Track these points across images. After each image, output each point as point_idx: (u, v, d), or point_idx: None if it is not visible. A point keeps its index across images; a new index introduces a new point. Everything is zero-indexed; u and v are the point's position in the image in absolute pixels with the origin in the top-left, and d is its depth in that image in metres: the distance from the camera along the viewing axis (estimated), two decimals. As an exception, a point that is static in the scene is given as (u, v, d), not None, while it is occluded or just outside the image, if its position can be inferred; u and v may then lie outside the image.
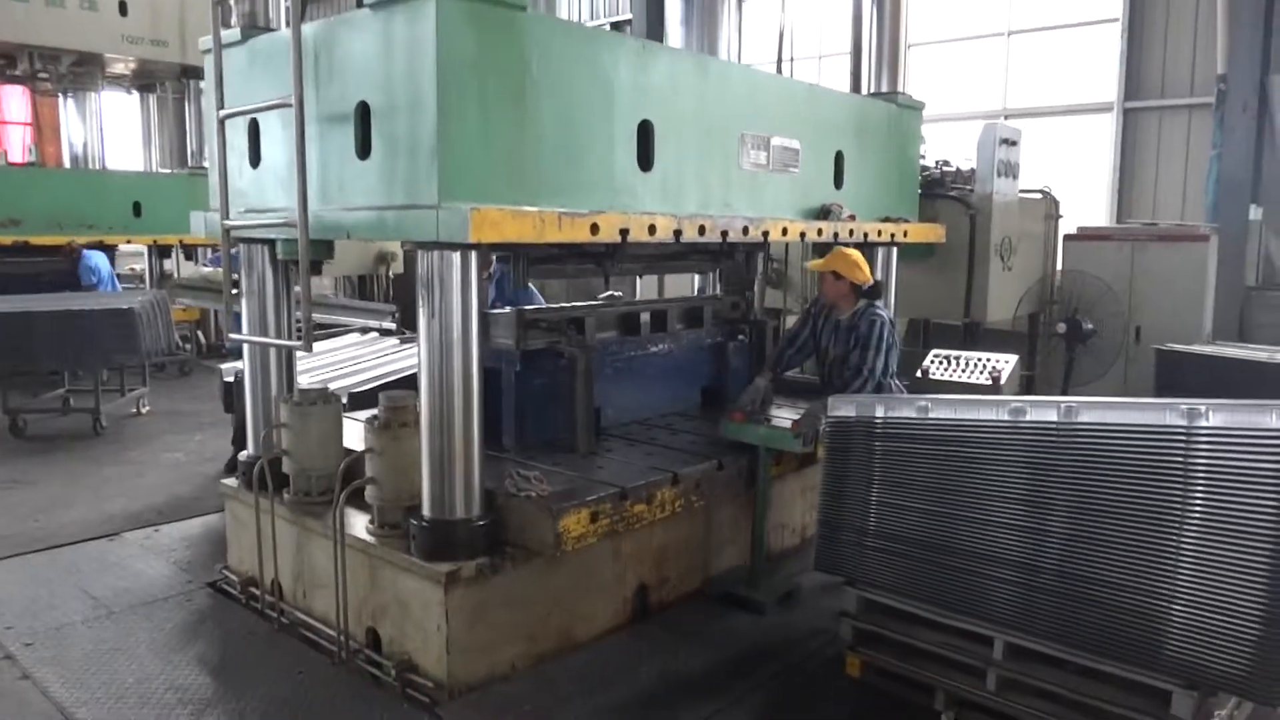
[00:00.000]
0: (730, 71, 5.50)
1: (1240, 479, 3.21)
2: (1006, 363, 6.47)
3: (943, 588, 3.89)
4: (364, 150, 4.01)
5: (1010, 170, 7.85)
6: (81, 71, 12.73)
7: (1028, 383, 8.19)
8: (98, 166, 13.64)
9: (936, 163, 8.29)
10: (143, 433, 8.88)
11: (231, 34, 4.66)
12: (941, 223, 7.73)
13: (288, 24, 4.12)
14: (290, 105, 3.93)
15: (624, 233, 4.25)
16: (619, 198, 4.46)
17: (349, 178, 4.11)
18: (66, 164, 13.69)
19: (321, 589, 4.51)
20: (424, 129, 3.71)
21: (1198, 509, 3.28)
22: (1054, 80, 11.23)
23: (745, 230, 5.00)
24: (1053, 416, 3.64)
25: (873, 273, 5.72)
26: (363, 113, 3.99)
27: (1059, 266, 8.82)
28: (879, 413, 4.15)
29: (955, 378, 6.51)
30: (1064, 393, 7.72)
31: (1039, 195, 8.88)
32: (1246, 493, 3.19)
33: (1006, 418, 3.76)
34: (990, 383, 6.33)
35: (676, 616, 4.86)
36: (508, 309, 5.14)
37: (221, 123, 4.48)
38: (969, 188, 7.88)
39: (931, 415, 3.99)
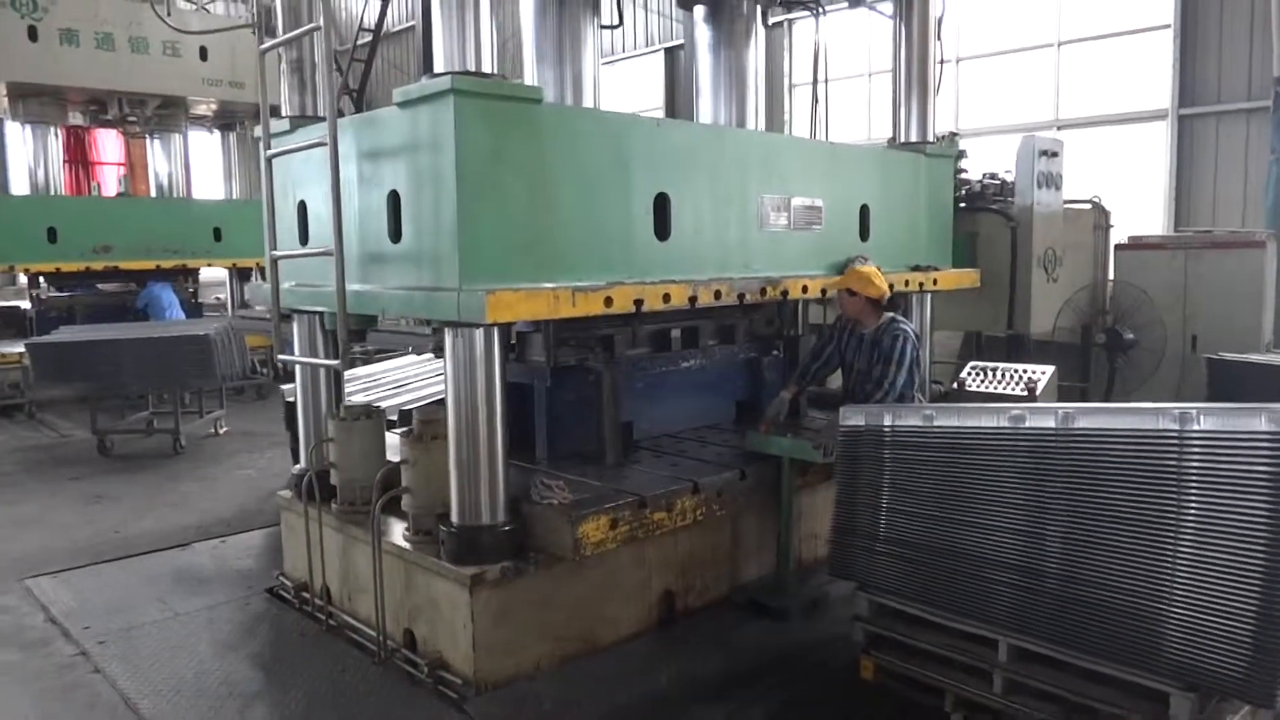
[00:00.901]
0: (748, 139, 5.72)
1: (1233, 482, 3.26)
2: (1043, 374, 6.47)
3: (950, 592, 3.99)
4: (396, 235, 4.36)
5: (1052, 181, 7.83)
6: (166, 114, 13.65)
7: (1080, 394, 8.12)
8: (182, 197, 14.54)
9: (983, 175, 8.32)
10: (219, 452, 9.42)
11: (280, 124, 5.11)
12: (983, 235, 7.81)
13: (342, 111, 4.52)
14: (325, 145, 4.27)
15: (638, 303, 4.48)
16: (636, 268, 4.69)
17: (384, 260, 4.48)
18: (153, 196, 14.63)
19: (364, 593, 4.81)
20: (446, 217, 4.03)
21: (1192, 512, 3.33)
22: (1107, 89, 11.10)
23: (763, 291, 5.17)
24: (1051, 423, 3.72)
25: (907, 312, 5.78)
26: (394, 201, 4.34)
27: (1111, 277, 8.75)
28: (887, 422, 4.27)
29: (991, 389, 6.53)
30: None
31: (1088, 205, 8.82)
32: (1239, 495, 3.24)
33: (1007, 425, 3.86)
34: (1026, 394, 6.34)
35: (701, 623, 5.02)
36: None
37: (269, 161, 4.88)
38: (1011, 200, 7.89)
39: (937, 423, 4.10)
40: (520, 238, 4.20)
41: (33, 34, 11.57)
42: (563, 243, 4.37)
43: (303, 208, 5.07)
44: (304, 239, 5.08)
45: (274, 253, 4.86)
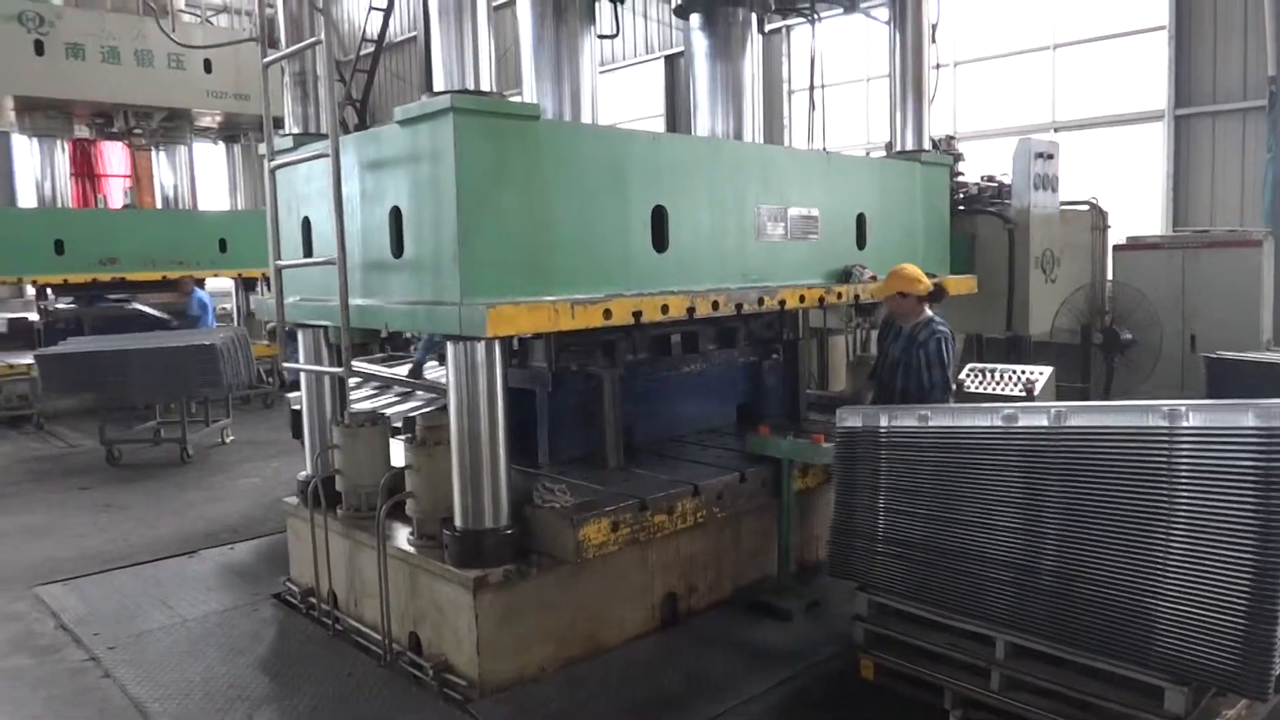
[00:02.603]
0: (744, 151, 5.80)
1: (1222, 477, 3.30)
2: (1041, 374, 6.51)
3: (947, 590, 4.04)
4: (398, 250, 4.44)
5: (1048, 183, 7.87)
6: (172, 126, 13.73)
7: (1079, 395, 8.15)
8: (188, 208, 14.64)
9: (980, 178, 8.37)
10: (225, 460, 9.51)
11: (284, 141, 5.20)
12: (980, 237, 7.86)
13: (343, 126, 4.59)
14: (327, 156, 4.34)
15: (637, 315, 4.55)
16: (634, 280, 4.77)
17: (387, 274, 4.56)
18: (159, 208, 14.74)
19: (370, 597, 4.87)
20: (446, 233, 4.11)
21: (1183, 507, 3.38)
22: (1103, 91, 11.16)
23: (761, 301, 5.24)
24: (1043, 421, 3.78)
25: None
26: (396, 216, 4.43)
27: (1109, 277, 8.79)
28: (883, 423, 4.33)
29: (990, 390, 6.58)
30: (1107, 403, 7.68)
31: (1085, 207, 8.87)
32: (1229, 490, 3.29)
33: (1000, 424, 3.91)
34: (1024, 395, 6.39)
35: (704, 624, 5.08)
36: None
37: (272, 173, 4.97)
38: (1008, 202, 7.94)
39: (932, 423, 4.15)
40: (520, 252, 4.29)
41: (39, 48, 11.65)
42: (562, 256, 4.45)
43: (306, 224, 5.15)
44: (308, 254, 5.15)
45: (278, 262, 4.94)
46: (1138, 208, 10.52)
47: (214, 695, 4.38)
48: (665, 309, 4.69)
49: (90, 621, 5.31)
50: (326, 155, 4.41)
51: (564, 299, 4.31)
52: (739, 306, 5.12)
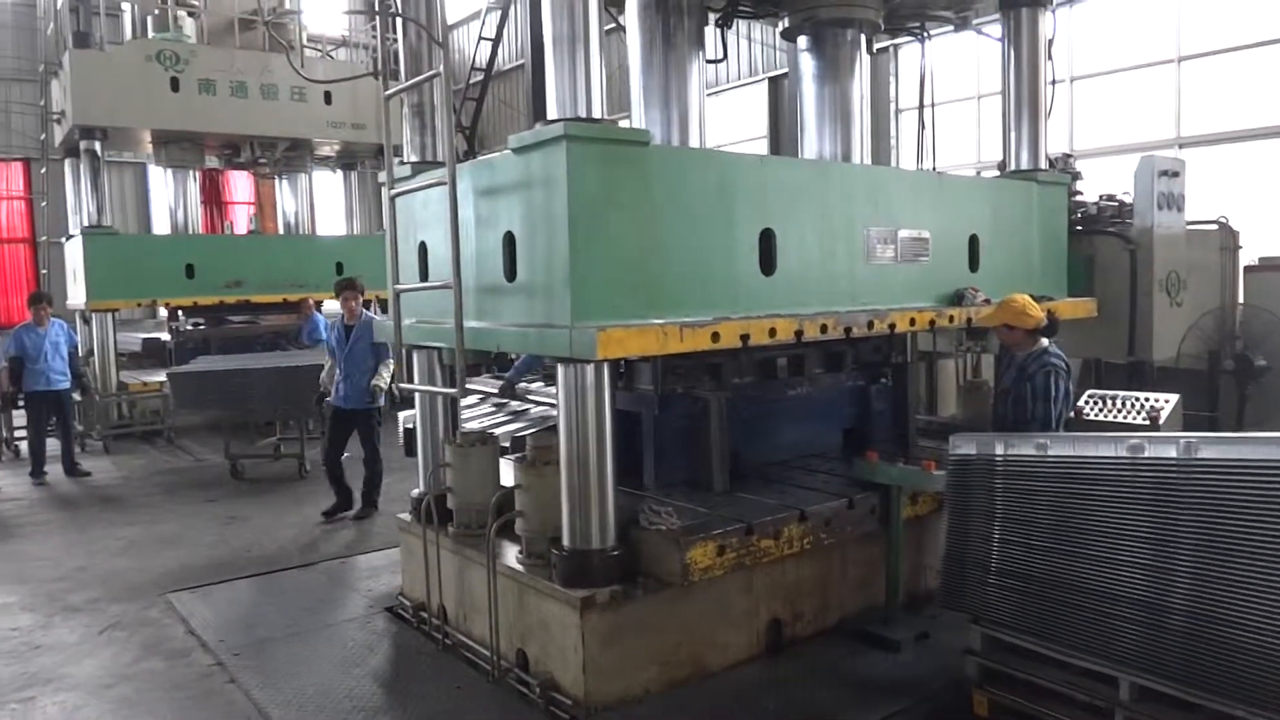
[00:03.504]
0: (853, 174, 5.75)
1: (1373, 515, 3.10)
2: (1166, 402, 6.23)
3: (1067, 627, 3.89)
4: (511, 274, 4.57)
5: (1173, 202, 7.55)
6: (294, 155, 14.42)
7: (1208, 424, 7.75)
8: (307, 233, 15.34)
9: (1100, 197, 8.09)
10: (340, 475, 9.84)
11: (403, 170, 5.41)
12: (1100, 259, 7.58)
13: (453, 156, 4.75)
14: (445, 184, 4.50)
15: (744, 338, 4.56)
16: (742, 303, 4.78)
17: (500, 298, 4.69)
18: (280, 233, 15.49)
19: (479, 613, 4.98)
20: (558, 257, 4.21)
21: (1329, 546, 3.18)
22: (1232, 104, 10.64)
23: (870, 325, 5.17)
24: (1172, 453, 3.61)
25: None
26: (509, 241, 4.55)
27: (1241, 300, 8.35)
28: (999, 450, 4.20)
29: (1111, 419, 6.32)
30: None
31: (1214, 226, 8.46)
32: (1381, 529, 3.08)
33: (1125, 454, 3.75)
34: (1148, 423, 6.11)
35: (809, 651, 5.00)
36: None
37: (392, 201, 5.17)
38: (1130, 222, 7.65)
39: (1050, 452, 4.02)
40: (629, 276, 4.35)
41: (175, 85, 12.42)
42: (671, 279, 4.50)
43: (423, 249, 5.33)
44: (424, 278, 5.33)
45: (397, 286, 5.13)
46: (1272, 227, 9.95)
47: (329, 704, 4.53)
48: (773, 332, 4.68)
49: (217, 628, 5.57)
50: (444, 183, 4.56)
51: (672, 322, 4.35)
52: (848, 330, 5.07)
